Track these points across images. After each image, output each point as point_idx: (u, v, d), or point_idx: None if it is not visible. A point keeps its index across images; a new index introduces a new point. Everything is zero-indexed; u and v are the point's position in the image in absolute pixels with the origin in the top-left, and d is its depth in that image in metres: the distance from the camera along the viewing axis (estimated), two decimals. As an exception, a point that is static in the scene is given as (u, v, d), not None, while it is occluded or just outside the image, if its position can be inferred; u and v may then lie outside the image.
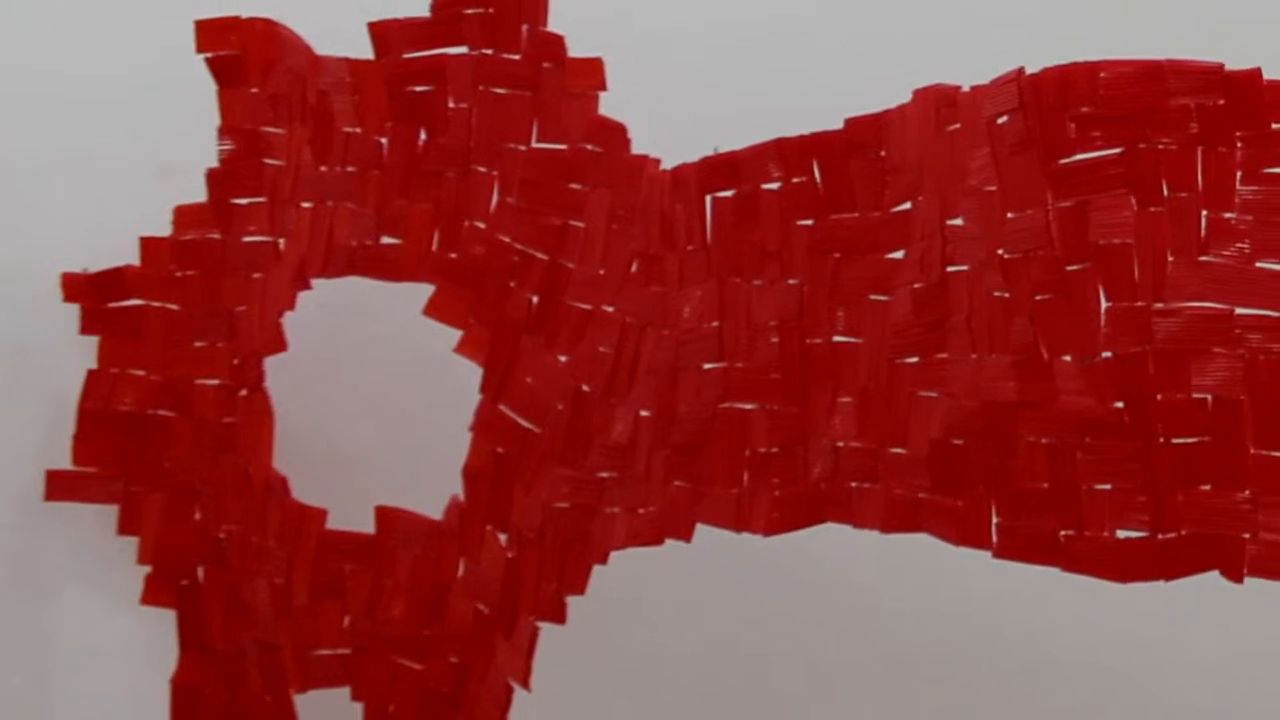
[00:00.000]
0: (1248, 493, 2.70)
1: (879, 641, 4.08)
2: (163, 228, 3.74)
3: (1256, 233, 2.66)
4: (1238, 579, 2.70)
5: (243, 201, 3.69)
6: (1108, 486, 2.76)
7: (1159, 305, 2.71)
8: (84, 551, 3.90)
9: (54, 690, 3.92)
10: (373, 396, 3.72)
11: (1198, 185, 2.70)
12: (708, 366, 3.17)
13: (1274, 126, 2.64)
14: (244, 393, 3.62)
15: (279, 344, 3.58)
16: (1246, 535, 2.70)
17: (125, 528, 3.84)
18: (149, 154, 3.77)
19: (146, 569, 3.82)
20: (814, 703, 4.05)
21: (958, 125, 2.93)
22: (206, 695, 3.75)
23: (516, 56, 3.51)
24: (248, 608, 3.66)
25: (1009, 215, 2.81)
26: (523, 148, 3.50)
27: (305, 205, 3.58)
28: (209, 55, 3.67)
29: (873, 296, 3.01)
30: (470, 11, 3.51)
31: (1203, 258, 2.69)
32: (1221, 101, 2.68)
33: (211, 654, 3.75)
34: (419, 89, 3.58)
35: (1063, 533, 2.80)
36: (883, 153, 3.04)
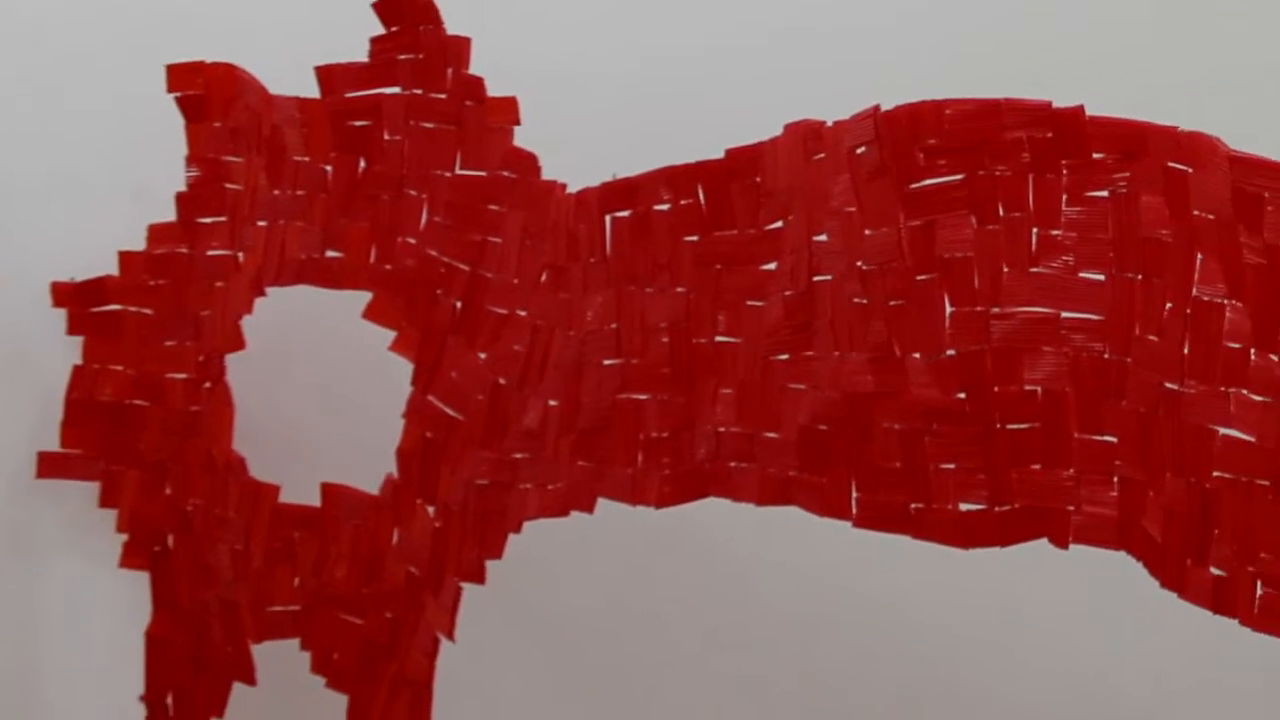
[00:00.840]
0: (1072, 471, 2.70)
1: (755, 601, 4.02)
2: (138, 243, 3.64)
3: (1079, 247, 2.66)
4: (1064, 545, 2.72)
5: (207, 220, 3.58)
6: (952, 466, 2.77)
7: (995, 310, 2.70)
8: (70, 521, 3.81)
9: (44, 640, 3.84)
10: (319, 388, 3.66)
11: (1029, 206, 2.69)
12: (607, 362, 3.14)
13: (1094, 156, 2.63)
14: (208, 385, 3.55)
15: (238, 343, 3.52)
16: (1071, 508, 2.71)
17: (106, 501, 3.75)
18: (126, 180, 3.70)
19: (124, 537, 3.73)
20: (698, 653, 4.00)
21: (823, 155, 2.89)
22: (175, 646, 3.65)
23: (443, 96, 3.45)
24: (211, 570, 3.59)
25: (866, 232, 2.78)
26: (448, 174, 3.45)
27: (261, 224, 3.52)
28: (178, 94, 3.58)
29: (750, 302, 2.98)
30: (403, 57, 3.45)
31: (1033, 269, 2.68)
32: (1049, 134, 2.66)
33: (180, 610, 3.66)
34: (358, 123, 3.51)
35: (913, 505, 2.80)
36: (758, 179, 3.00)
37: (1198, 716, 3.99)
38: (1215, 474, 2.53)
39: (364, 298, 3.52)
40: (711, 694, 4.03)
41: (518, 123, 3.38)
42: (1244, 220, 2.43)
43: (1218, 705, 4.04)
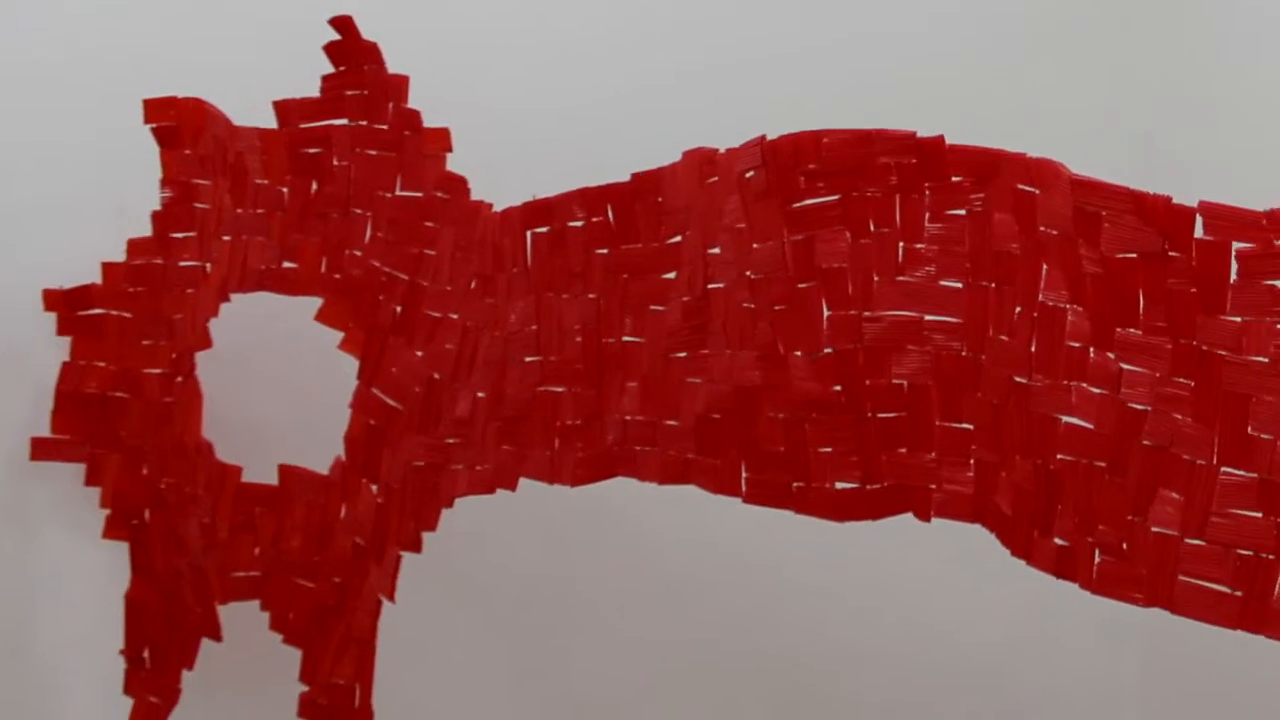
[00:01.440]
0: (933, 454, 2.68)
1: (655, 564, 3.98)
2: (119, 255, 3.58)
3: (940, 259, 2.64)
4: (926, 518, 2.70)
5: (179, 236, 3.52)
6: (829, 449, 2.73)
7: (867, 314, 2.68)
8: (60, 498, 3.72)
9: (37, 601, 3.76)
10: (277, 382, 3.61)
11: (896, 223, 2.67)
12: (528, 359, 3.08)
13: (953, 179, 2.62)
14: (180, 379, 3.46)
15: (206, 343, 3.43)
16: (933, 486, 2.68)
17: (91, 480, 3.68)
18: (108, 200, 3.62)
19: (106, 511, 3.64)
20: (607, 612, 3.94)
21: (716, 178, 2.86)
22: (151, 607, 3.57)
23: (384, 127, 3.40)
24: (182, 541, 3.51)
25: (754, 246, 2.76)
26: (389, 195, 3.40)
27: (226, 238, 3.45)
28: (153, 125, 3.52)
29: (653, 307, 2.94)
30: (349, 93, 3.40)
31: (900, 278, 2.66)
32: (914, 161, 2.64)
33: (155, 576, 3.58)
34: (311, 150, 3.45)
35: (795, 484, 2.76)
36: (660, 199, 2.96)
37: (1040, 665, 3.97)
38: (1059, 456, 2.51)
39: (316, 303, 3.46)
40: (615, 646, 3.99)
41: (449, 150, 3.33)
42: (1084, 235, 2.44)
43: (1057, 656, 4.02)
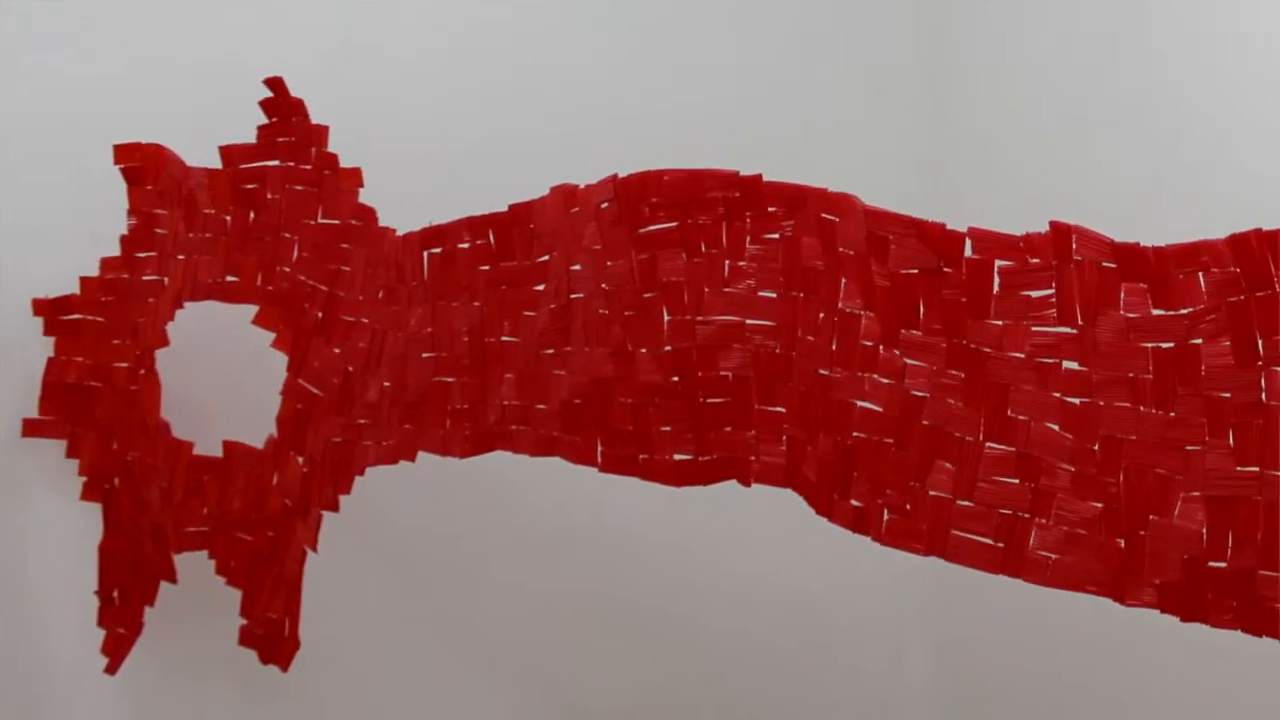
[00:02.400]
0: (753, 432, 2.62)
1: (529, 522, 3.88)
2: (94, 270, 3.48)
3: (759, 274, 2.58)
4: (747, 484, 2.64)
5: (142, 255, 3.41)
6: (668, 428, 2.67)
7: (699, 318, 2.62)
8: (46, 467, 3.56)
9: (28, 552, 3.58)
10: (221, 374, 3.49)
11: (723, 245, 2.61)
12: (425, 355, 2.98)
13: (769, 209, 2.56)
14: (142, 371, 3.35)
15: (164, 341, 3.30)
16: (753, 458, 2.62)
17: (71, 453, 3.54)
18: (85, 227, 3.47)
19: (84, 478, 3.52)
20: (487, 557, 3.85)
21: (577, 209, 2.77)
22: (120, 556, 3.45)
23: (309, 167, 3.27)
24: (145, 502, 3.38)
25: (608, 264, 2.68)
26: (312, 222, 3.26)
27: (180, 257, 3.32)
28: (122, 166, 3.42)
29: (526, 313, 2.84)
30: (280, 140, 3.28)
31: (726, 289, 2.60)
32: (738, 194, 2.58)
33: (123, 530, 3.45)
34: (249, 186, 3.31)
35: (641, 456, 2.69)
36: (532, 225, 2.86)
37: (841, 602, 3.90)
38: (855, 434, 2.47)
39: (253, 310, 3.33)
40: (494, 588, 3.87)
41: (361, 186, 3.21)
42: (875, 254, 2.41)
43: (855, 595, 3.95)
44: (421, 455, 2.94)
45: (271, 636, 3.18)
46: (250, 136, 3.28)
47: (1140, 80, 3.49)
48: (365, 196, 3.19)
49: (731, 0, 3.95)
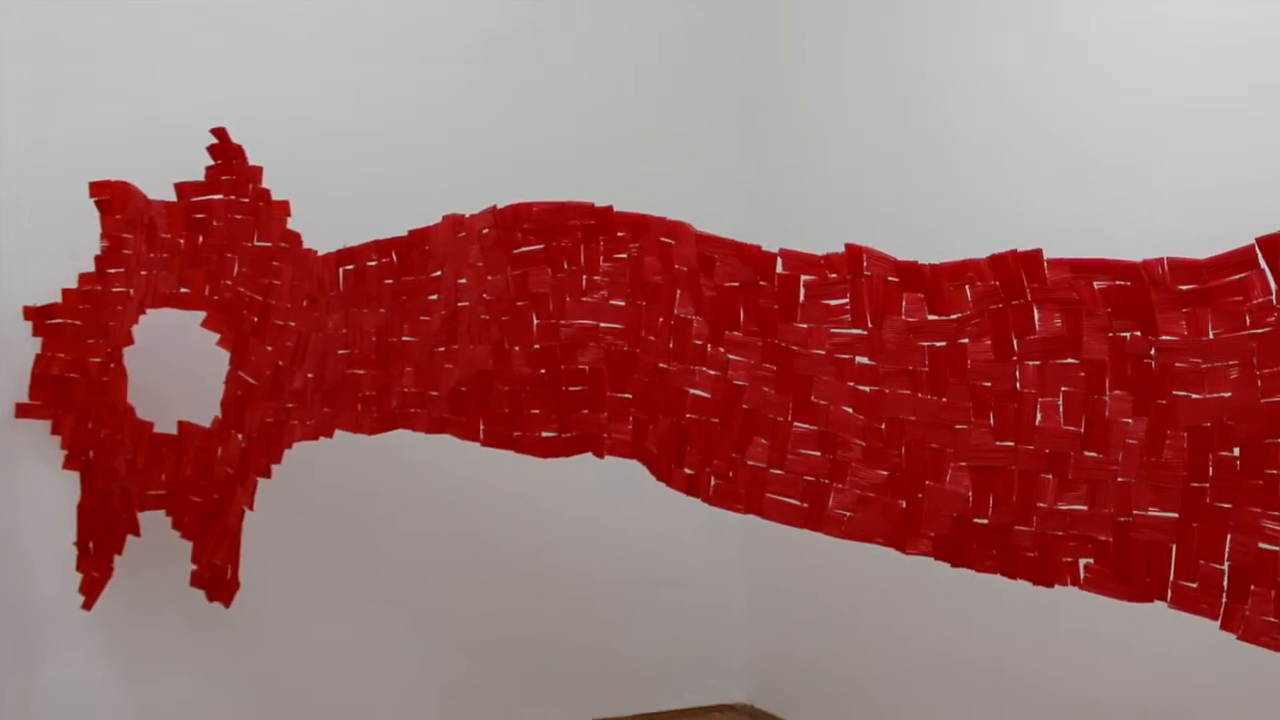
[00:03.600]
0: (605, 414, 2.45)
1: (426, 486, 3.64)
2: (73, 283, 3.26)
3: (610, 286, 2.42)
4: (601, 456, 2.47)
5: (112, 271, 3.20)
6: (537, 411, 2.50)
7: (562, 322, 2.46)
8: (36, 442, 3.30)
9: (20, 511, 3.33)
10: (176, 367, 3.26)
11: (581, 263, 2.45)
12: (341, 352, 2.76)
13: (619, 234, 2.41)
14: (112, 365, 3.13)
15: (129, 341, 3.11)
16: (606, 435, 2.45)
17: (55, 431, 3.30)
18: (67, 248, 3.22)
19: (65, 451, 3.29)
20: (394, 514, 3.62)
21: (464, 233, 2.59)
22: (94, 513, 3.21)
23: (246, 200, 3.04)
24: (114, 470, 3.15)
25: (489, 278, 2.51)
26: (250, 244, 3.03)
27: (143, 273, 3.11)
28: (96, 199, 3.20)
29: (422, 318, 2.64)
30: (224, 178, 3.05)
31: (584, 299, 2.44)
32: (593, 222, 2.43)
33: (97, 493, 3.22)
34: (198, 215, 3.08)
35: (515, 433, 2.52)
36: (427, 247, 2.66)
37: (674, 552, 3.72)
38: (688, 416, 2.33)
39: (201, 315, 3.13)
40: (400, 537, 3.64)
41: (289, 215, 2.99)
42: (704, 270, 2.28)
43: (687, 545, 3.76)
44: (338, 432, 2.76)
45: (216, 579, 2.99)
46: (200, 175, 3.08)
47: (920, 129, 3.40)
48: (292, 223, 2.99)
49: (592, 62, 3.79)
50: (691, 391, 2.32)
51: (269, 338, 2.94)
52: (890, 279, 2.11)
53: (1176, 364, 1.85)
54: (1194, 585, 1.86)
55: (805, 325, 2.20)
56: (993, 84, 3.07)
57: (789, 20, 3.63)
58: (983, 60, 3.11)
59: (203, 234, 3.06)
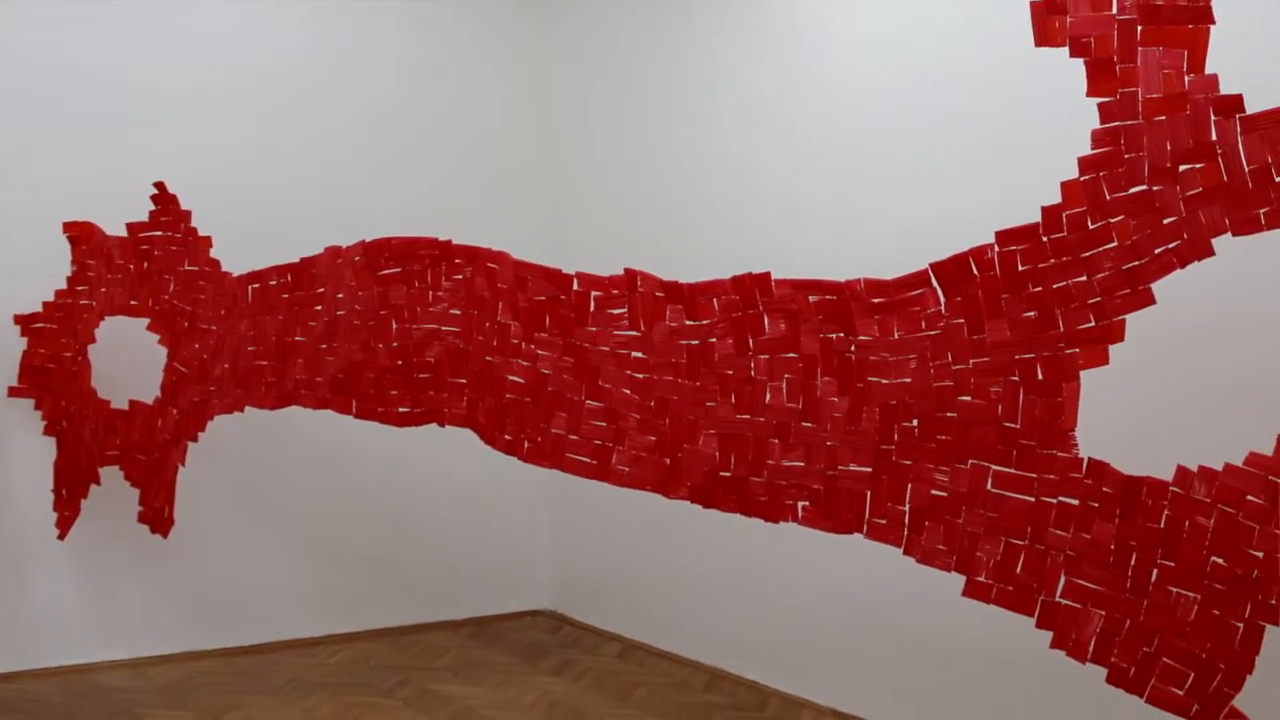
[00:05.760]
0: (446, 394, 2.02)
1: (316, 449, 2.90)
2: (51, 297, 2.62)
3: (450, 299, 2.00)
4: (443, 425, 2.04)
5: (80, 288, 2.59)
6: (395, 392, 2.05)
7: (415, 326, 2.03)
8: (23, 416, 2.63)
9: (11, 465, 2.65)
10: (127, 359, 2.59)
11: (429, 282, 2.03)
12: (250, 349, 2.24)
13: (456, 261, 2.01)
14: (80, 358, 2.55)
15: (92, 340, 2.53)
16: (446, 410, 2.02)
17: (38, 407, 2.64)
18: (48, 270, 2.57)
19: (45, 422, 2.63)
20: (292, 471, 2.89)
21: (341, 260, 2.12)
22: (66, 468, 2.58)
23: (179, 235, 2.48)
24: (81, 436, 2.55)
25: (360, 294, 2.06)
26: (182, 269, 2.46)
27: (102, 290, 2.52)
28: (69, 234, 2.58)
29: (310, 323, 2.15)
30: (163, 219, 2.48)
31: (430, 309, 2.03)
32: (437, 252, 2.02)
33: (68, 453, 2.60)
34: (144, 247, 2.50)
35: (379, 409, 2.07)
36: (314, 271, 2.18)
37: (497, 500, 3.15)
38: (508, 396, 1.93)
39: (146, 321, 2.54)
40: (295, 489, 2.93)
41: (211, 247, 2.46)
42: (520, 288, 1.90)
43: (506, 493, 3.15)
44: (248, 408, 2.29)
45: (157, 517, 2.47)
46: (145, 217, 2.53)
47: (676, 186, 2.87)
48: (213, 253, 2.47)
49: (441, 135, 3.11)
50: (510, 378, 1.96)
51: (196, 338, 2.42)
52: (658, 294, 1.82)
53: (870, 357, 1.63)
54: (884, 521, 1.63)
55: (594, 329, 1.88)
56: (731, 151, 2.67)
57: (581, 118, 3.15)
58: (726, 133, 2.68)
59: (147, 261, 2.54)
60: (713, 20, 2.71)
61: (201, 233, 2.49)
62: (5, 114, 2.70)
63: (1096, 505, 1.43)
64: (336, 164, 2.96)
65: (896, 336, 1.57)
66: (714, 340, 1.74)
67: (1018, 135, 2.00)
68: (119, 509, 2.60)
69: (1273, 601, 1.31)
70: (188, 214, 2.51)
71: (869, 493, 1.59)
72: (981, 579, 1.51)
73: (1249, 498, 1.34)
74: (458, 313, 2.02)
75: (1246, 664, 1.34)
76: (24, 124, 2.73)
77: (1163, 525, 1.39)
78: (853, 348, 1.61)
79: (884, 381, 1.58)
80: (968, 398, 1.50)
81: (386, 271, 2.07)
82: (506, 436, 1.95)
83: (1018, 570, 1.48)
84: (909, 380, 1.55)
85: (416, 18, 3.07)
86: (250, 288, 2.30)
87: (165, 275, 2.53)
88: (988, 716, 2.07)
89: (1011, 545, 1.48)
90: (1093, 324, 1.43)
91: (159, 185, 2.53)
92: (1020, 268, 1.46)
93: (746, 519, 1.74)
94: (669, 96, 2.84)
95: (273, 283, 2.26)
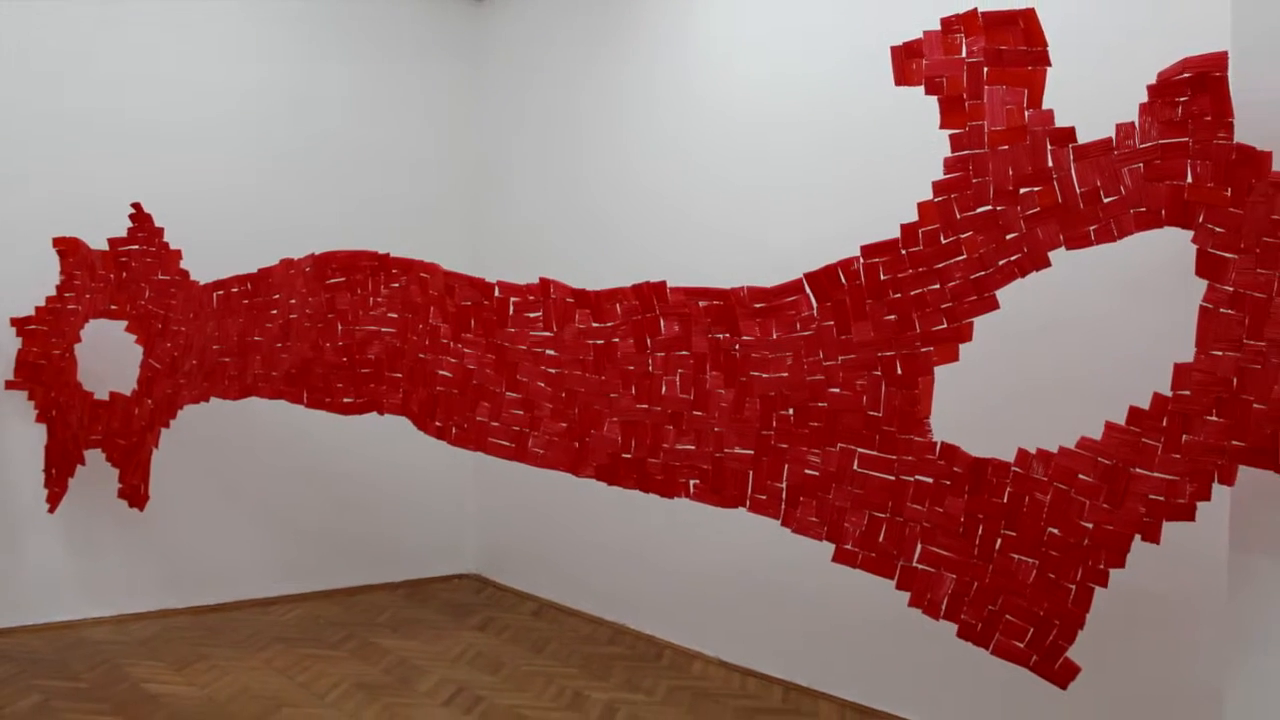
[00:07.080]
0: (384, 387, 1.66)
1: (273, 434, 2.48)
2: (43, 302, 2.18)
3: (389, 304, 1.66)
4: (382, 414, 1.69)
5: (68, 295, 2.16)
6: (341, 385, 1.70)
7: (357, 329, 1.67)
8: (18, 406, 2.19)
9: (7, 449, 2.19)
10: (109, 357, 2.18)
11: (369, 289, 1.67)
12: (215, 348, 1.86)
13: (393, 272, 1.66)
14: (67, 356, 2.14)
15: (78, 339, 2.13)
16: (385, 401, 1.67)
17: (31, 398, 2.21)
18: (40, 279, 2.15)
19: (37, 411, 2.20)
20: (255, 449, 2.46)
21: (294, 270, 1.76)
22: (55, 451, 2.16)
23: (154, 249, 2.07)
24: (68, 423, 2.14)
25: (310, 299, 1.71)
26: (156, 278, 2.05)
27: (87, 296, 2.12)
28: (58, 249, 2.16)
29: (267, 325, 1.78)
30: (139, 234, 2.07)
31: (371, 313, 1.68)
32: (377, 263, 1.67)
33: (57, 438, 2.17)
34: (123, 259, 2.09)
35: (327, 399, 1.71)
36: (270, 279, 1.80)
37: (434, 476, 2.72)
38: (438, 388, 1.61)
39: (124, 323, 2.12)
40: (248, 465, 2.46)
41: (181, 259, 2.06)
42: (448, 295, 1.58)
43: (438, 470, 2.66)
44: (213, 398, 1.90)
45: (134, 493, 2.09)
46: (124, 233, 2.12)
47: (585, 207, 2.55)
48: (183, 264, 2.08)
49: (384, 160, 2.68)
50: (440, 373, 1.66)
51: (168, 338, 2.04)
52: (568, 300, 1.54)
53: (753, 354, 1.38)
54: (764, 497, 1.37)
55: (514, 330, 1.58)
56: (635, 176, 2.34)
57: (503, 148, 2.78)
58: (631, 160, 2.36)
59: (125, 272, 2.14)
60: (620, 64, 2.40)
61: (173, 247, 2.10)
62: (5, 145, 2.25)
63: (948, 483, 1.22)
64: (290, 188, 2.57)
65: (775, 337, 1.34)
66: (617, 340, 1.48)
67: (880, 163, 1.79)
68: (101, 486, 2.20)
69: (1101, 566, 1.11)
70: (161, 230, 2.12)
71: (751, 472, 1.35)
72: (849, 547, 1.28)
73: (1080, 476, 1.15)
74: (395, 316, 1.71)
75: (1079, 620, 1.15)
76: (21, 154, 2.28)
77: (1005, 500, 1.19)
78: (737, 346, 1.38)
79: (764, 376, 1.35)
80: (837, 390, 1.29)
81: (333, 280, 1.75)
82: (437, 424, 1.64)
83: (880, 539, 1.26)
84: (786, 375, 1.33)
85: (359, 65, 2.69)
86: (215, 294, 1.93)
87: (141, 283, 2.13)
88: (854, 666, 1.84)
89: (875, 518, 1.27)
90: (945, 326, 1.22)
91: (136, 206, 2.14)
92: (882, 277, 1.25)
93: (645, 495, 1.48)
94: (580, 128, 2.53)
95: (234, 290, 1.90)
